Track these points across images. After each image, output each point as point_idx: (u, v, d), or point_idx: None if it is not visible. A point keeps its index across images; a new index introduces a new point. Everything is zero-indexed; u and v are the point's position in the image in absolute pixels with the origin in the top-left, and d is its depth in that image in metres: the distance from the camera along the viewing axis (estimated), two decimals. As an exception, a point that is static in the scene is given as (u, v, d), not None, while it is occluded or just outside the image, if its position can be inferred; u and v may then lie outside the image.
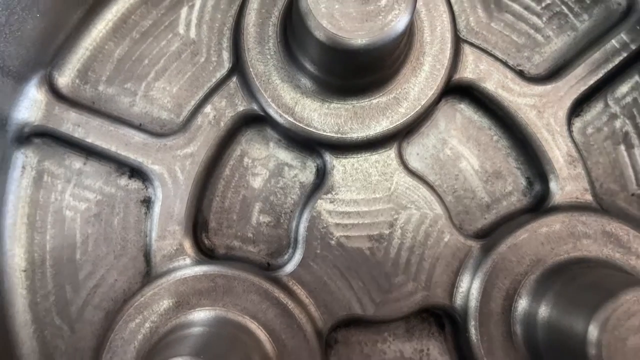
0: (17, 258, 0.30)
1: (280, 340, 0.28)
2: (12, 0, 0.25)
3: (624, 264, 0.28)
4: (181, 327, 0.28)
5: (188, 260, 0.29)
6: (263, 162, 0.32)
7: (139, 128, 0.30)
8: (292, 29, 0.28)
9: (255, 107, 0.30)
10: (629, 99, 0.32)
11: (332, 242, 0.30)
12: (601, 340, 0.24)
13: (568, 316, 0.26)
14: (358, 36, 0.24)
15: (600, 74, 0.31)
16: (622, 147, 0.32)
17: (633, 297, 0.24)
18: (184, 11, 0.31)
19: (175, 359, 0.24)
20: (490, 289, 0.29)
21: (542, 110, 0.31)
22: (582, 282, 0.27)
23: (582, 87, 0.31)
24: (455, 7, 0.31)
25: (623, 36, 0.31)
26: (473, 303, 0.30)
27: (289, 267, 0.30)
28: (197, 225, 0.31)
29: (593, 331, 0.24)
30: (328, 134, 0.29)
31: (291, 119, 0.30)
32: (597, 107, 0.32)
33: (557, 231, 0.29)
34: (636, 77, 0.32)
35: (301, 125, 0.29)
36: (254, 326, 0.28)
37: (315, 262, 0.30)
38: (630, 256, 0.29)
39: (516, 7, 0.32)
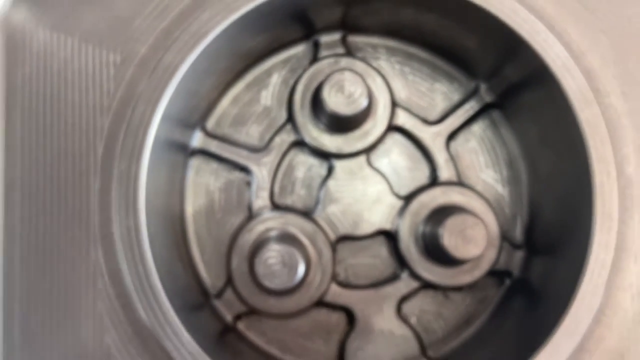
0: (190, 209, 0.62)
1: (314, 245, 0.61)
2: (196, 103, 0.59)
3: (466, 206, 0.60)
4: (267, 238, 0.60)
5: (269, 209, 0.62)
6: (302, 163, 0.63)
7: (244, 147, 0.63)
8: (317, 103, 0.60)
9: (298, 138, 0.63)
10: (477, 133, 0.64)
11: (335, 200, 0.63)
12: (443, 234, 0.54)
13: (437, 229, 0.56)
14: (347, 111, 0.56)
15: (462, 120, 0.62)
16: (473, 155, 0.65)
17: (461, 217, 0.57)
18: (264, 92, 0.63)
19: (269, 245, 0.57)
20: (408, 223, 0.58)
21: (434, 139, 0.61)
22: (443, 211, 0.59)
23: (453, 127, 0.60)
24: (396, 99, 0.64)
25: (471, 103, 0.64)
26: (400, 228, 0.61)
27: (316, 213, 0.62)
28: (272, 194, 0.64)
29: (442, 231, 0.54)
30: (333, 151, 0.60)
31: (316, 144, 0.61)
32: (461, 137, 0.62)
33: (438, 193, 0.60)
34: (480, 122, 0.65)
35: (320, 147, 0.61)
36: (302, 237, 0.60)
37: (327, 209, 0.62)
38: (472, 201, 0.61)
39: (423, 89, 0.65)
